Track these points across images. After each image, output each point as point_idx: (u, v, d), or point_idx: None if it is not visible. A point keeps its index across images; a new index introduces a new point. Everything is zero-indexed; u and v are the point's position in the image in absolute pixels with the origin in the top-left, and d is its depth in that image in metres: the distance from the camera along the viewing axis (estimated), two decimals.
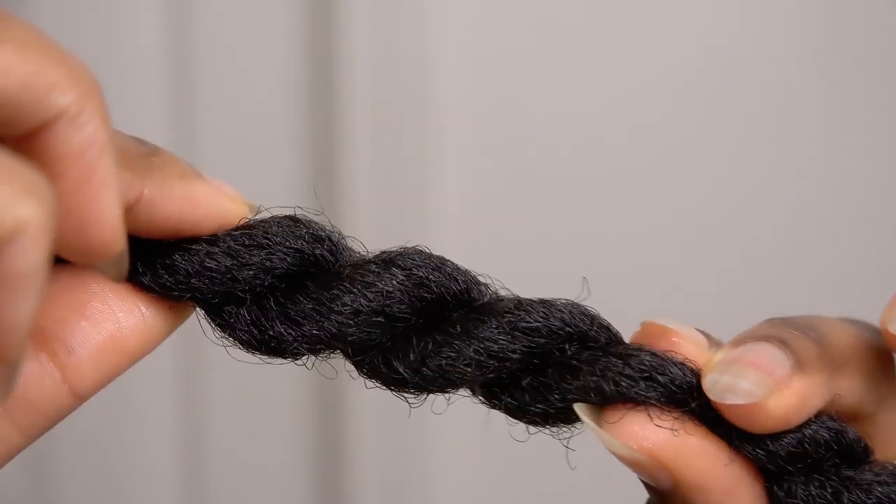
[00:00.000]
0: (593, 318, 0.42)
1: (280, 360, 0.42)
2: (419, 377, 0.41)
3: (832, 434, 0.42)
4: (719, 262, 1.05)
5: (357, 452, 1.04)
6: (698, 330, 0.43)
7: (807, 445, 0.41)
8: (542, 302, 0.42)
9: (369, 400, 1.03)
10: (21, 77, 0.33)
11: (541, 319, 0.41)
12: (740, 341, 0.42)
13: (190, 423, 1.06)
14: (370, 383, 0.43)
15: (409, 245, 0.42)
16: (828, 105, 1.05)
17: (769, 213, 1.05)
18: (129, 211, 0.38)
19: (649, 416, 0.41)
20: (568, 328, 0.42)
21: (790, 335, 0.42)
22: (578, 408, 0.41)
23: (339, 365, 1.12)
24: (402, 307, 0.41)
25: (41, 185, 0.33)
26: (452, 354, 0.41)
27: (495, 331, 0.41)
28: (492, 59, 1.03)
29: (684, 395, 0.41)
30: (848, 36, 1.04)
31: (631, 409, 0.41)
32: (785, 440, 0.41)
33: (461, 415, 1.04)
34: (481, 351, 0.41)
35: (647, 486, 0.43)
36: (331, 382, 1.04)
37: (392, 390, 0.42)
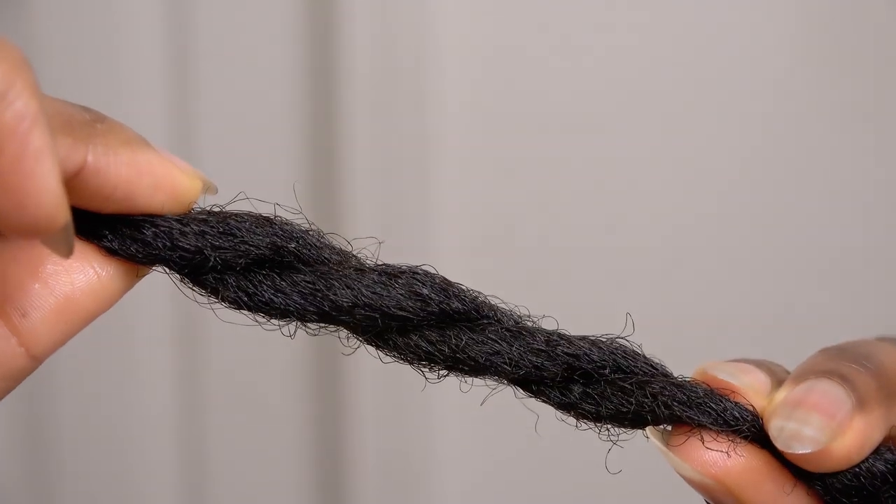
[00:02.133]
0: (637, 357, 0.43)
1: (268, 321, 0.41)
2: (451, 362, 0.42)
3: (889, 466, 0.42)
4: (719, 263, 1.05)
5: (357, 453, 1.04)
6: (756, 364, 0.43)
7: (863, 479, 0.42)
8: (585, 338, 0.43)
9: (369, 401, 1.03)
10: None
11: (584, 348, 0.42)
12: (799, 378, 0.42)
13: (190, 422, 1.06)
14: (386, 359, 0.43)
15: (413, 252, 0.42)
16: (828, 105, 1.05)
17: (772, 216, 1.05)
18: (74, 179, 0.38)
19: (702, 439, 0.41)
20: (607, 362, 0.43)
21: (849, 370, 0.43)
22: (650, 431, 0.42)
23: (340, 366, 1.12)
24: (400, 310, 0.41)
25: (7, 45, 0.33)
26: (489, 351, 0.42)
27: (537, 345, 0.42)
28: (492, 59, 1.03)
29: (738, 424, 0.42)
30: (848, 36, 1.04)
31: (691, 435, 0.42)
32: (840, 474, 0.42)
33: (462, 416, 1.04)
34: (523, 355, 0.42)
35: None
36: (331, 384, 1.04)
37: (412, 364, 0.42)
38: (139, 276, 0.41)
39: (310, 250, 0.41)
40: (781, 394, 0.42)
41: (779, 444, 0.41)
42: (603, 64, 1.04)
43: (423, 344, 0.42)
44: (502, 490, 1.06)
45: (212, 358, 1.04)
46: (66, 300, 0.39)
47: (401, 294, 0.41)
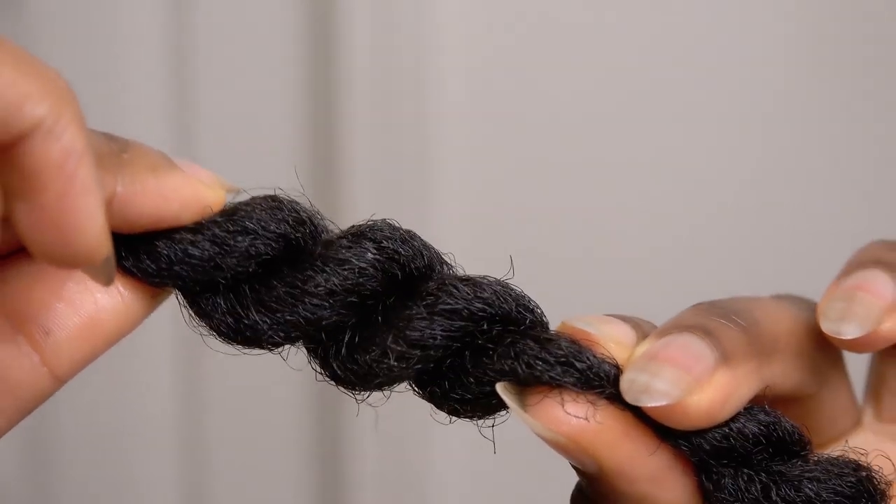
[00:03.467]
0: (518, 299, 0.41)
1: (258, 350, 0.41)
2: (350, 374, 0.41)
3: (762, 427, 0.40)
4: (719, 262, 1.05)
5: (357, 453, 1.04)
6: (626, 320, 0.41)
7: (733, 440, 0.40)
8: (467, 280, 0.41)
9: (369, 403, 1.03)
10: None
11: (461, 301, 0.40)
12: (663, 332, 0.41)
13: (190, 424, 1.06)
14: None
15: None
16: (827, 105, 1.05)
17: (766, 212, 1.05)
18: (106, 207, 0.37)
19: (562, 401, 0.39)
20: (490, 309, 0.40)
21: (716, 324, 0.41)
22: (500, 387, 0.40)
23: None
24: (375, 283, 0.40)
25: (54, 76, 0.33)
26: (375, 350, 0.40)
27: (415, 317, 0.40)
28: (492, 58, 1.03)
29: (601, 382, 0.39)
30: (848, 36, 1.04)
31: (549, 393, 0.39)
32: (709, 434, 0.40)
33: (462, 426, 1.04)
34: (401, 341, 0.40)
35: (576, 468, 0.42)
36: (331, 388, 1.04)
37: (340, 389, 0.41)
38: (158, 299, 0.41)
39: (315, 236, 0.40)
40: (641, 348, 0.40)
41: (628, 398, 0.39)
42: (604, 63, 1.04)
43: (329, 358, 0.41)
44: (502, 490, 1.06)
45: (212, 360, 1.04)
46: (90, 320, 0.39)
47: (374, 255, 0.40)
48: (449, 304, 0.40)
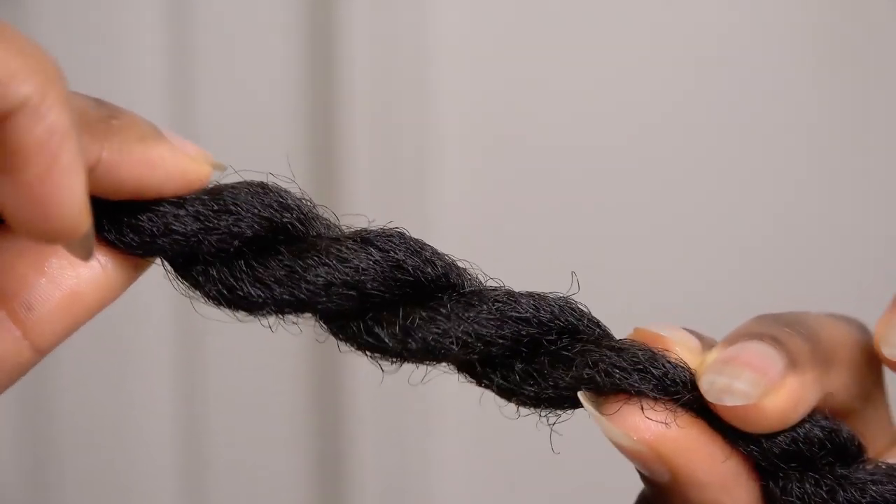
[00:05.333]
0: (583, 314, 0.42)
1: (248, 317, 0.41)
2: (402, 347, 0.41)
3: (826, 432, 0.42)
4: (719, 261, 1.05)
5: (357, 453, 1.04)
6: (689, 331, 0.43)
7: (801, 444, 0.41)
8: (533, 295, 0.42)
9: (369, 402, 1.03)
10: None
11: (531, 310, 0.41)
12: (732, 340, 0.42)
13: (189, 423, 1.06)
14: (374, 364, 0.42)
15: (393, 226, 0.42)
16: (827, 105, 1.05)
17: (767, 213, 1.05)
18: (88, 175, 0.37)
19: (642, 407, 0.41)
20: (558, 321, 0.42)
21: (782, 332, 0.42)
22: (582, 395, 0.41)
23: (340, 366, 1.12)
24: (376, 285, 0.41)
25: (41, 55, 0.33)
26: (438, 331, 0.41)
27: (485, 315, 0.41)
28: (492, 58, 1.03)
29: (678, 389, 0.41)
30: (848, 36, 1.04)
31: (627, 401, 0.41)
32: (779, 438, 0.41)
33: (462, 415, 1.04)
34: (470, 332, 0.41)
35: (644, 478, 0.43)
36: (330, 383, 1.04)
37: (367, 355, 0.42)
38: (140, 269, 0.41)
39: (303, 223, 0.41)
40: (714, 354, 0.42)
41: (710, 398, 0.40)
42: (603, 62, 1.04)
43: (375, 328, 0.41)
44: (503, 490, 1.06)
45: (212, 358, 1.04)
46: (71, 294, 0.39)
47: (376, 262, 0.41)
48: (519, 311, 0.41)
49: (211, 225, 0.40)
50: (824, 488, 0.41)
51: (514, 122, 1.04)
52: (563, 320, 0.42)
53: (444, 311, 0.41)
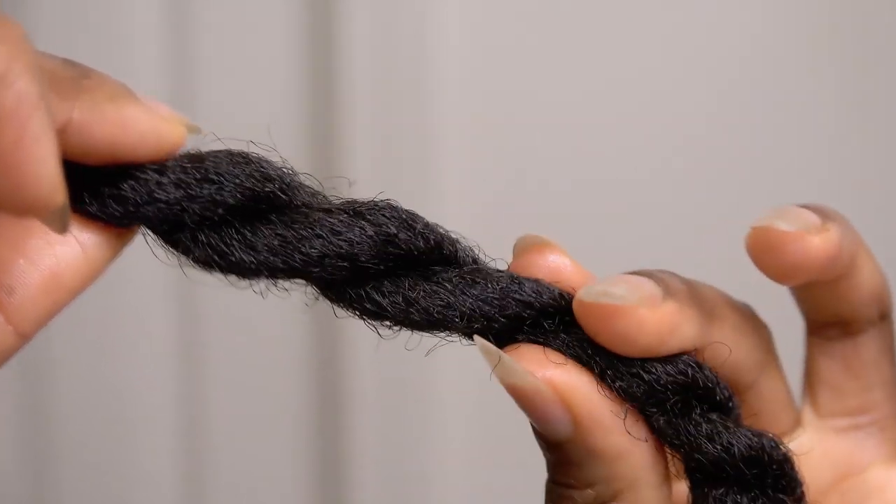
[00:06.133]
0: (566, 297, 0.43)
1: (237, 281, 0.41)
2: (404, 316, 0.41)
3: (696, 370, 0.42)
4: (719, 261, 1.05)
5: (357, 453, 1.04)
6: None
7: (675, 375, 0.42)
8: (537, 281, 0.43)
9: (369, 402, 1.03)
10: None
11: (533, 295, 0.42)
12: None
13: (189, 422, 1.06)
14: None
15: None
16: (828, 105, 1.05)
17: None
18: (59, 136, 0.37)
19: (543, 346, 0.41)
20: (554, 303, 0.43)
21: (661, 274, 0.43)
22: (477, 338, 0.41)
23: (340, 366, 1.11)
24: (370, 258, 0.41)
25: (8, 24, 0.33)
26: (442, 304, 0.41)
27: (490, 293, 0.41)
28: (492, 58, 1.03)
29: (559, 303, 0.42)
30: (848, 36, 1.04)
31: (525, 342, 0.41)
32: (657, 367, 0.41)
33: (462, 413, 1.04)
34: (475, 308, 0.41)
35: (541, 437, 0.42)
36: (331, 382, 1.04)
37: (364, 320, 0.42)
38: (122, 243, 0.41)
39: (286, 192, 0.41)
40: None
41: (587, 299, 0.41)
42: (604, 62, 1.04)
43: (376, 296, 0.41)
44: (503, 489, 1.05)
45: (212, 357, 1.04)
46: (51, 275, 0.39)
47: (370, 237, 0.41)
48: (521, 295, 0.42)
49: (193, 193, 0.39)
50: (692, 426, 0.42)
51: (514, 121, 1.04)
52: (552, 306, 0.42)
53: (448, 285, 0.41)
